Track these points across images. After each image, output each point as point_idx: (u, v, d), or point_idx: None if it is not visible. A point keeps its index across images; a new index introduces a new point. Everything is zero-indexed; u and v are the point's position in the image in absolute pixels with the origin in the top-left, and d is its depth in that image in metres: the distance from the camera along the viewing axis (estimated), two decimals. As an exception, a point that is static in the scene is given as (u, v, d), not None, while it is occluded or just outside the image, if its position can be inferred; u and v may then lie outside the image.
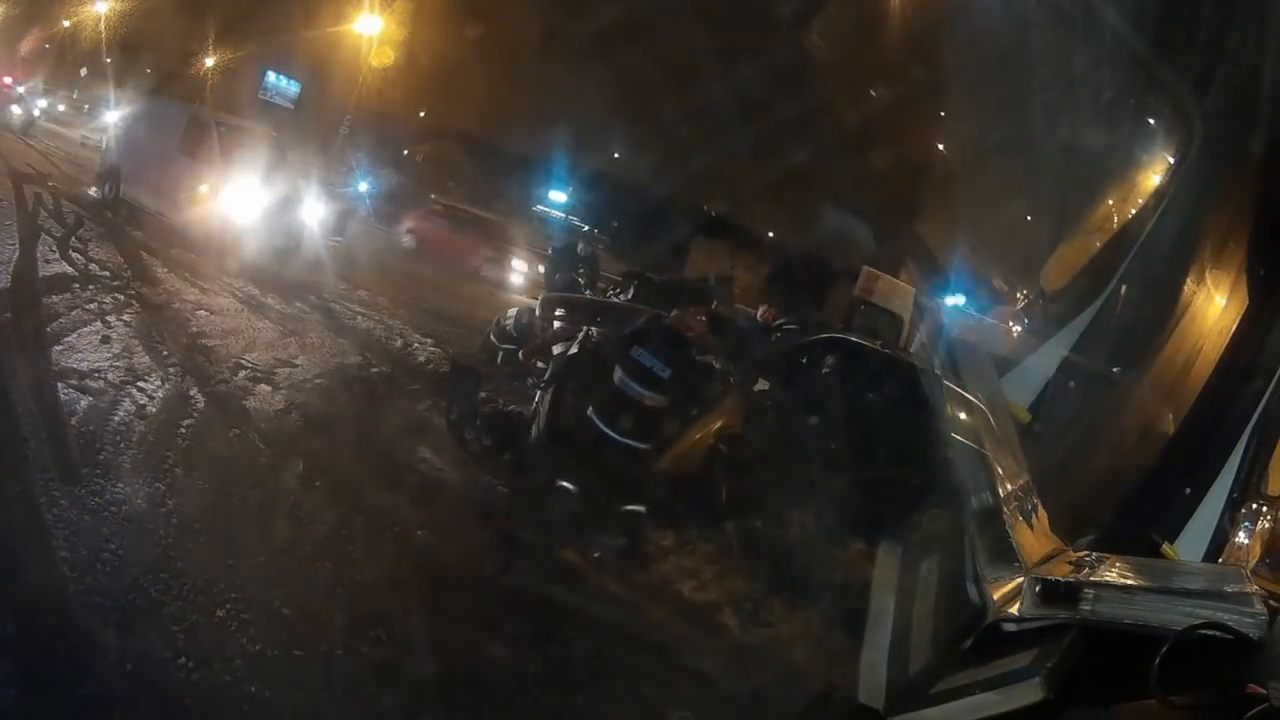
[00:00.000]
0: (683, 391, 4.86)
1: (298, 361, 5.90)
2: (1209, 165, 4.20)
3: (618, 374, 4.65)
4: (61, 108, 19.76)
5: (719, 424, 5.34)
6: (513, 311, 6.92)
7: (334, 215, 10.89)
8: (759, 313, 9.05)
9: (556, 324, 6.20)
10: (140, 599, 2.83)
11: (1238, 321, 3.42)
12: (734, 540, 5.00)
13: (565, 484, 4.56)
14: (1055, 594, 1.68)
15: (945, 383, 2.93)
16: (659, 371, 4.62)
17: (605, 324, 5.73)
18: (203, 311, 6.42)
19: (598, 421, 4.59)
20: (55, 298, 5.64)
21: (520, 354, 6.17)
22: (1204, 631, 1.41)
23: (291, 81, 18.98)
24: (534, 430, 5.04)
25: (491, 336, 6.83)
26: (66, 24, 20.24)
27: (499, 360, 6.55)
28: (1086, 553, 2.34)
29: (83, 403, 4.17)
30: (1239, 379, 3.20)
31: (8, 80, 16.36)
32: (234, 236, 8.46)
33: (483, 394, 5.63)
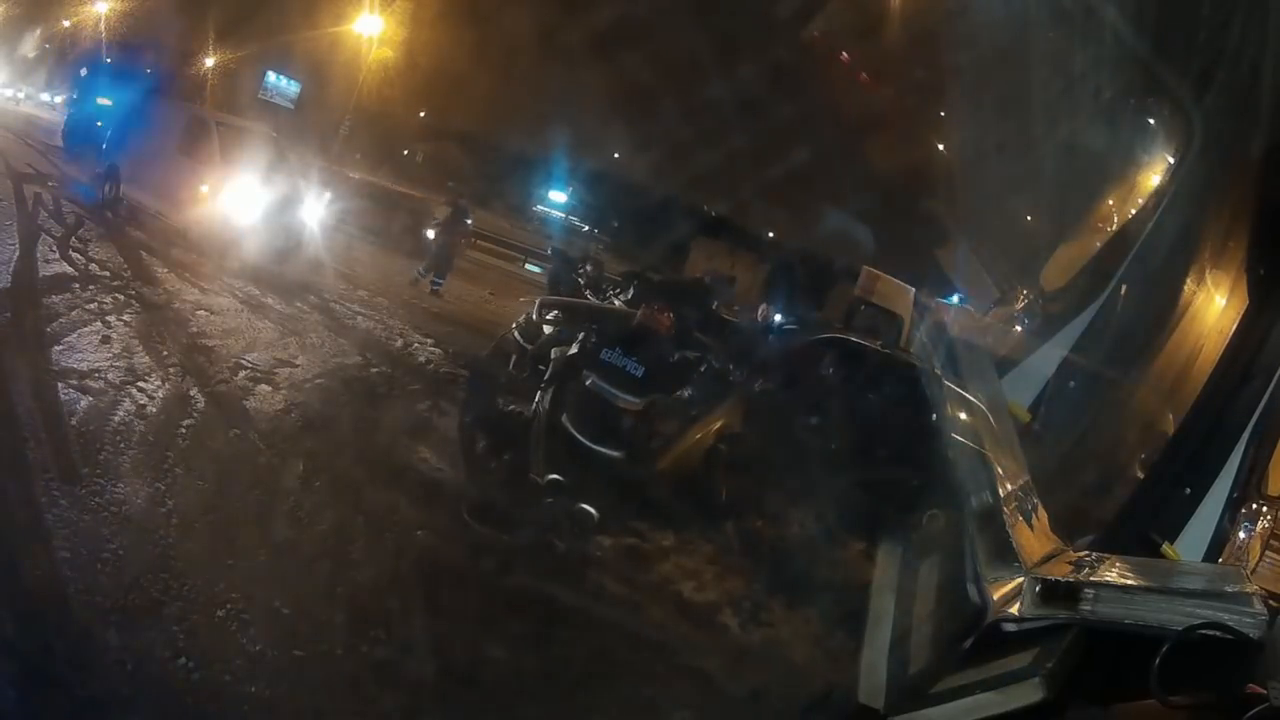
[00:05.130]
0: (659, 390, 4.81)
1: (298, 361, 5.90)
2: (1209, 165, 4.18)
3: (590, 379, 4.60)
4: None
5: (719, 424, 5.34)
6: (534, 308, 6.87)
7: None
8: (759, 312, 9.05)
9: (549, 326, 6.18)
10: (140, 599, 2.84)
11: (1238, 321, 3.41)
12: (734, 540, 5.00)
13: (556, 476, 4.54)
14: (1055, 594, 1.67)
15: (945, 383, 2.93)
16: (632, 371, 4.57)
17: (603, 327, 5.72)
18: (203, 311, 6.42)
19: (571, 429, 4.56)
20: (55, 298, 5.64)
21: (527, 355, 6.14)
22: (1204, 631, 1.40)
23: (291, 81, 18.99)
24: (534, 430, 5.04)
25: (516, 334, 6.77)
26: (67, 24, 20.26)
27: (512, 364, 6.52)
28: (1086, 553, 2.34)
29: (83, 403, 4.17)
30: (1239, 379, 3.19)
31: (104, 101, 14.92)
32: (234, 236, 8.47)
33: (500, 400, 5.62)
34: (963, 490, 2.13)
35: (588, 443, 4.54)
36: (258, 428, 4.63)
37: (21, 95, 22.77)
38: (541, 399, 5.11)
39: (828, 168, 15.17)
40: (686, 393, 5.27)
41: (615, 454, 4.57)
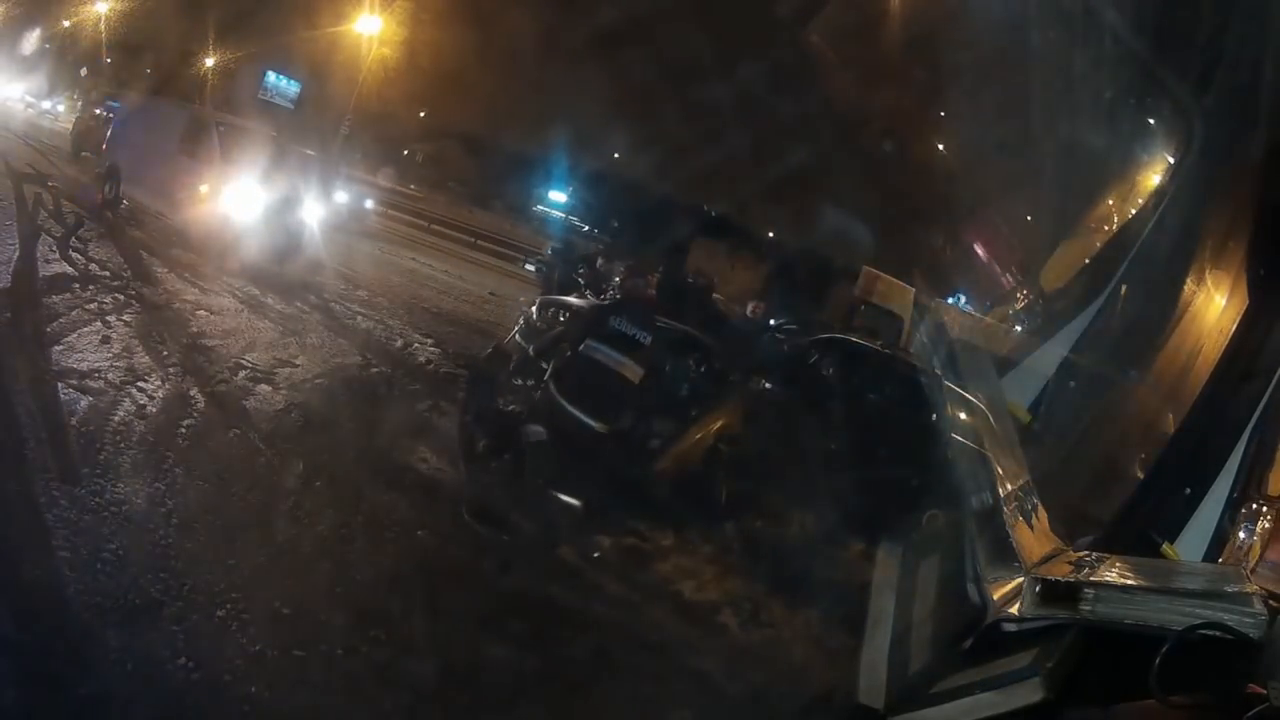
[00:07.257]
0: (663, 361, 4.81)
1: (298, 361, 5.90)
2: (1209, 165, 4.18)
3: (592, 346, 4.58)
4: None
5: (719, 424, 5.34)
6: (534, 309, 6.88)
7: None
8: (748, 309, 8.97)
9: (550, 325, 6.18)
10: (140, 599, 2.83)
11: (1238, 321, 3.41)
12: (734, 540, 5.00)
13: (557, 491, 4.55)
14: (1055, 594, 1.67)
15: (945, 383, 2.93)
16: (640, 338, 4.58)
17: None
18: (203, 311, 6.42)
19: (561, 400, 4.54)
20: (55, 298, 5.64)
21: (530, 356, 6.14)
22: (1204, 631, 1.40)
23: (291, 81, 19.01)
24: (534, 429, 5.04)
25: (519, 336, 6.77)
26: (66, 24, 20.24)
27: (513, 365, 6.52)
28: (1086, 553, 2.33)
29: (83, 403, 4.17)
30: (1239, 379, 3.18)
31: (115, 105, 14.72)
32: (234, 236, 8.47)
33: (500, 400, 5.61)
34: (963, 490, 2.13)
35: (579, 414, 4.50)
36: (258, 428, 4.62)
37: (52, 107, 20.61)
38: (542, 398, 5.11)
39: (828, 168, 15.18)
40: (685, 389, 5.26)
41: (598, 426, 4.52)
